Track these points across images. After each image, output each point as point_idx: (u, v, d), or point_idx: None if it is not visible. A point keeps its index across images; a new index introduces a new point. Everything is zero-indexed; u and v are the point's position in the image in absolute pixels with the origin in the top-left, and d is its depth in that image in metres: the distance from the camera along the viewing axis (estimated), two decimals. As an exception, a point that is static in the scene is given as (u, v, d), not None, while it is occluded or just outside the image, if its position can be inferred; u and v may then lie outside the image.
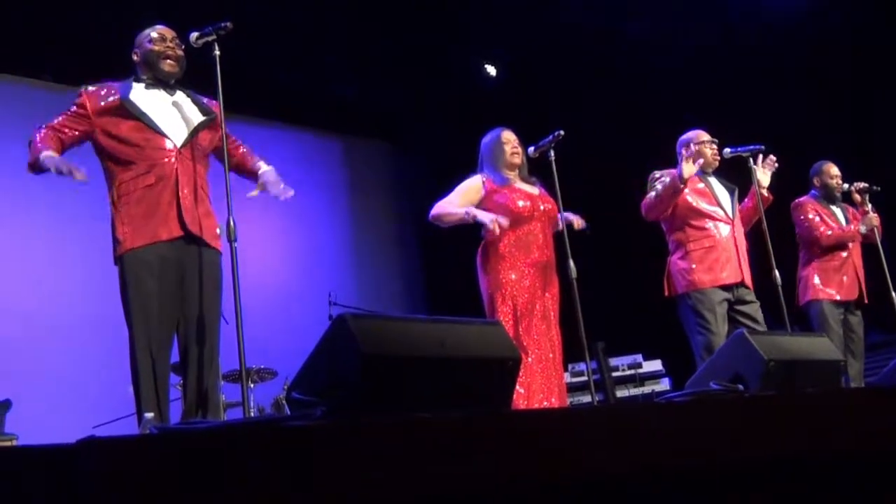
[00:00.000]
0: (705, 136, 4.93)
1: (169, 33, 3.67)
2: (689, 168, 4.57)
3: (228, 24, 3.50)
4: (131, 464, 1.38)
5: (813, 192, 5.69)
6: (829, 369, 3.26)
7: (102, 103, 3.53)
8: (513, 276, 4.27)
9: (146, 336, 3.37)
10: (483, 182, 4.43)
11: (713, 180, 4.89)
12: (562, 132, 4.40)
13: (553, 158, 4.42)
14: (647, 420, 2.08)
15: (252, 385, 5.78)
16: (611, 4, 7.22)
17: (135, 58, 3.69)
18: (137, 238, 3.42)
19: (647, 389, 6.97)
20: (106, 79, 3.65)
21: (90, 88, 3.58)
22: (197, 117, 3.64)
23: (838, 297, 5.42)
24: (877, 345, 6.19)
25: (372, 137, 9.09)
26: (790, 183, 5.67)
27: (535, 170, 4.62)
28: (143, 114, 3.52)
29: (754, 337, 2.98)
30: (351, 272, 8.42)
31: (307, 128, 8.51)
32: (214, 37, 3.53)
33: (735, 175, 5.00)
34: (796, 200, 5.64)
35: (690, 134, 4.96)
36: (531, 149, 4.53)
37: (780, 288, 4.78)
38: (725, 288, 4.64)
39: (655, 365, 7.10)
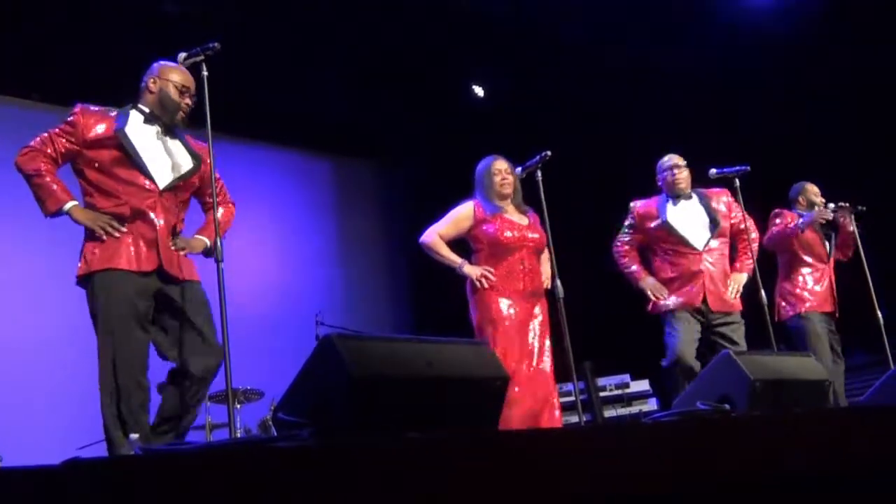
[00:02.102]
0: (669, 162, 5.00)
1: (192, 85, 3.66)
2: (650, 294, 4.93)
3: (216, 44, 3.51)
4: (116, 485, 1.37)
5: (795, 211, 5.70)
6: (815, 389, 3.26)
7: (94, 132, 3.50)
8: (500, 304, 4.32)
9: (129, 355, 3.35)
10: (474, 210, 4.47)
11: (684, 208, 4.93)
12: (549, 153, 4.43)
13: (540, 178, 4.45)
14: (635, 440, 2.08)
15: (238, 406, 5.75)
16: (599, 27, 7.27)
17: (150, 86, 3.65)
18: (113, 260, 3.40)
19: (634, 409, 6.97)
20: (95, 100, 3.64)
21: (87, 108, 3.55)
22: (186, 163, 3.64)
23: (821, 310, 5.46)
24: (861, 366, 6.21)
25: (360, 157, 9.09)
26: (773, 204, 5.72)
27: (523, 189, 4.63)
28: (135, 151, 3.50)
29: (740, 357, 2.99)
30: (338, 292, 8.40)
31: (295, 147, 8.51)
32: (202, 57, 3.54)
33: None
34: (778, 209, 5.67)
35: (662, 160, 5.05)
36: (518, 169, 4.55)
37: (766, 308, 4.82)
38: (693, 310, 4.84)
39: (643, 385, 7.10)
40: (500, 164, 4.54)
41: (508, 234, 4.40)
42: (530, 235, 4.45)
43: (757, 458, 2.19)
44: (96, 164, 3.49)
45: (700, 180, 5.11)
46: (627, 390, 7.05)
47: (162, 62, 3.69)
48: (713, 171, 5.02)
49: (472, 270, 4.36)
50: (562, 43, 7.52)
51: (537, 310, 4.39)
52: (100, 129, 3.50)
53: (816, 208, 5.49)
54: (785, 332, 5.54)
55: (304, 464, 1.56)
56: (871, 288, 5.43)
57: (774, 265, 5.67)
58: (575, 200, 7.35)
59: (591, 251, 6.73)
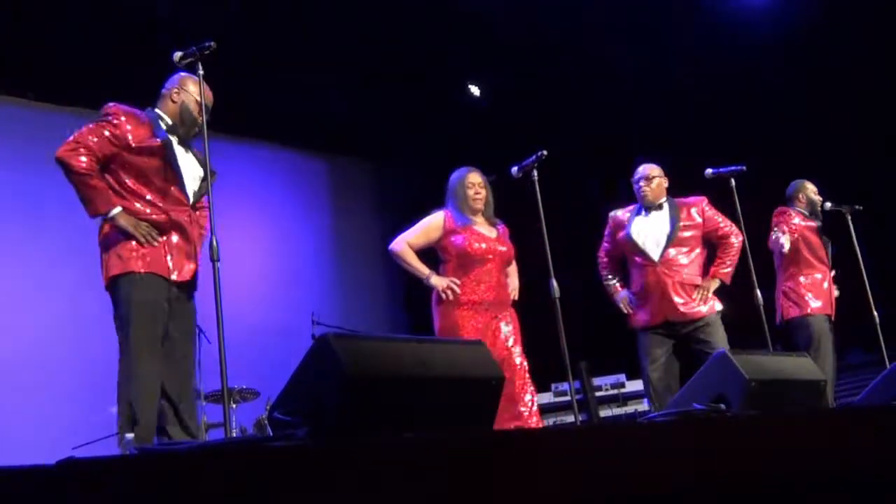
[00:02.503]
0: (638, 174, 5.01)
1: (210, 103, 3.64)
2: (623, 309, 5.00)
3: (212, 43, 3.51)
4: (112, 485, 1.37)
5: (796, 209, 5.63)
6: (811, 389, 3.27)
7: (137, 137, 3.50)
8: (463, 316, 4.33)
9: (152, 352, 3.40)
10: (444, 220, 4.47)
11: (653, 218, 4.93)
12: (545, 152, 4.42)
13: (536, 178, 4.45)
14: (631, 440, 2.08)
15: (234, 405, 5.75)
16: (599, 27, 7.26)
17: (173, 96, 3.67)
18: (153, 265, 3.45)
19: (630, 409, 6.97)
20: (94, 100, 3.63)
21: (125, 109, 3.53)
22: (200, 176, 3.67)
23: (824, 312, 5.44)
24: (857, 365, 6.21)
25: (356, 157, 9.08)
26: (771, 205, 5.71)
27: (519, 189, 4.62)
28: (178, 164, 3.55)
29: (736, 357, 2.99)
30: (334, 292, 8.39)
31: (293, 147, 8.50)
32: (198, 56, 3.54)
33: (718, 194, 5.03)
34: (783, 208, 5.63)
35: (637, 169, 5.04)
36: (514, 168, 4.54)
37: (761, 308, 4.81)
38: (654, 327, 4.85)
39: (639, 384, 7.09)
40: (474, 178, 4.53)
41: (477, 245, 4.40)
42: (499, 248, 4.46)
43: (753, 457, 2.19)
44: (135, 169, 3.50)
45: (697, 180, 5.08)
46: (623, 390, 7.06)
47: (184, 74, 3.70)
48: (709, 171, 4.99)
49: (438, 282, 4.38)
50: (562, 43, 7.52)
51: (505, 321, 4.40)
52: (142, 134, 3.51)
53: (785, 236, 5.40)
54: (783, 332, 5.52)
55: (299, 463, 1.57)
56: (867, 288, 5.42)
57: (773, 266, 5.65)
58: (574, 200, 7.35)
59: (587, 251, 6.74)
